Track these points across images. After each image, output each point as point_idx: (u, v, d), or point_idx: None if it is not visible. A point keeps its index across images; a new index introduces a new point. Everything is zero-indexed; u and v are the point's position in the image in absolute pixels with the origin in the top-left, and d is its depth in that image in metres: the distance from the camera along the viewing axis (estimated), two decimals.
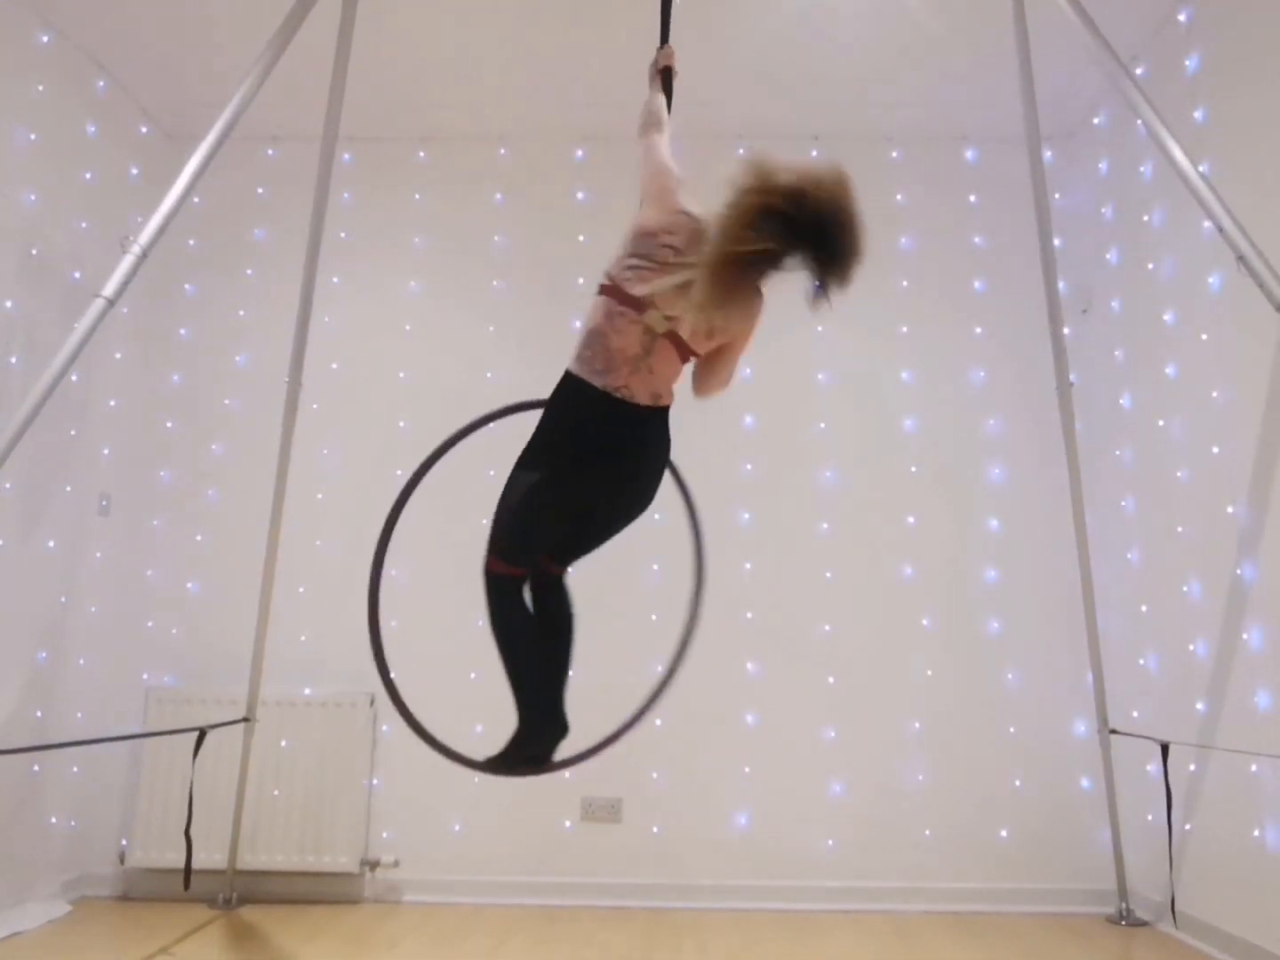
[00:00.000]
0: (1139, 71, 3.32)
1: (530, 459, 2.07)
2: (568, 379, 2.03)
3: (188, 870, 3.04)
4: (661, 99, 2.30)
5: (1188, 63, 3.09)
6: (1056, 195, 3.81)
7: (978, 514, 3.74)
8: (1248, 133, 2.82)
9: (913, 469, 3.77)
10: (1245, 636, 2.80)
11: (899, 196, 3.94)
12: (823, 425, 3.81)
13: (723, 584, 3.71)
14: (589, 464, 2.00)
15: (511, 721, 3.78)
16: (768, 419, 3.81)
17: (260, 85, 2.61)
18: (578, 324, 4.07)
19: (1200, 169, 2.36)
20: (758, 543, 3.70)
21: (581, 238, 3.93)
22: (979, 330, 3.86)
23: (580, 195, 3.98)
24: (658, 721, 3.42)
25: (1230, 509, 2.88)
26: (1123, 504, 3.50)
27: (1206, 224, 2.39)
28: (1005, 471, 3.77)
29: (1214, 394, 2.98)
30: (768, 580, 3.70)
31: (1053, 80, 3.43)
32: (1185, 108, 3.04)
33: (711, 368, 2.13)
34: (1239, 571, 2.82)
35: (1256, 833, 2.71)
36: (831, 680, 3.63)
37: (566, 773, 3.54)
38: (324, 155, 3.18)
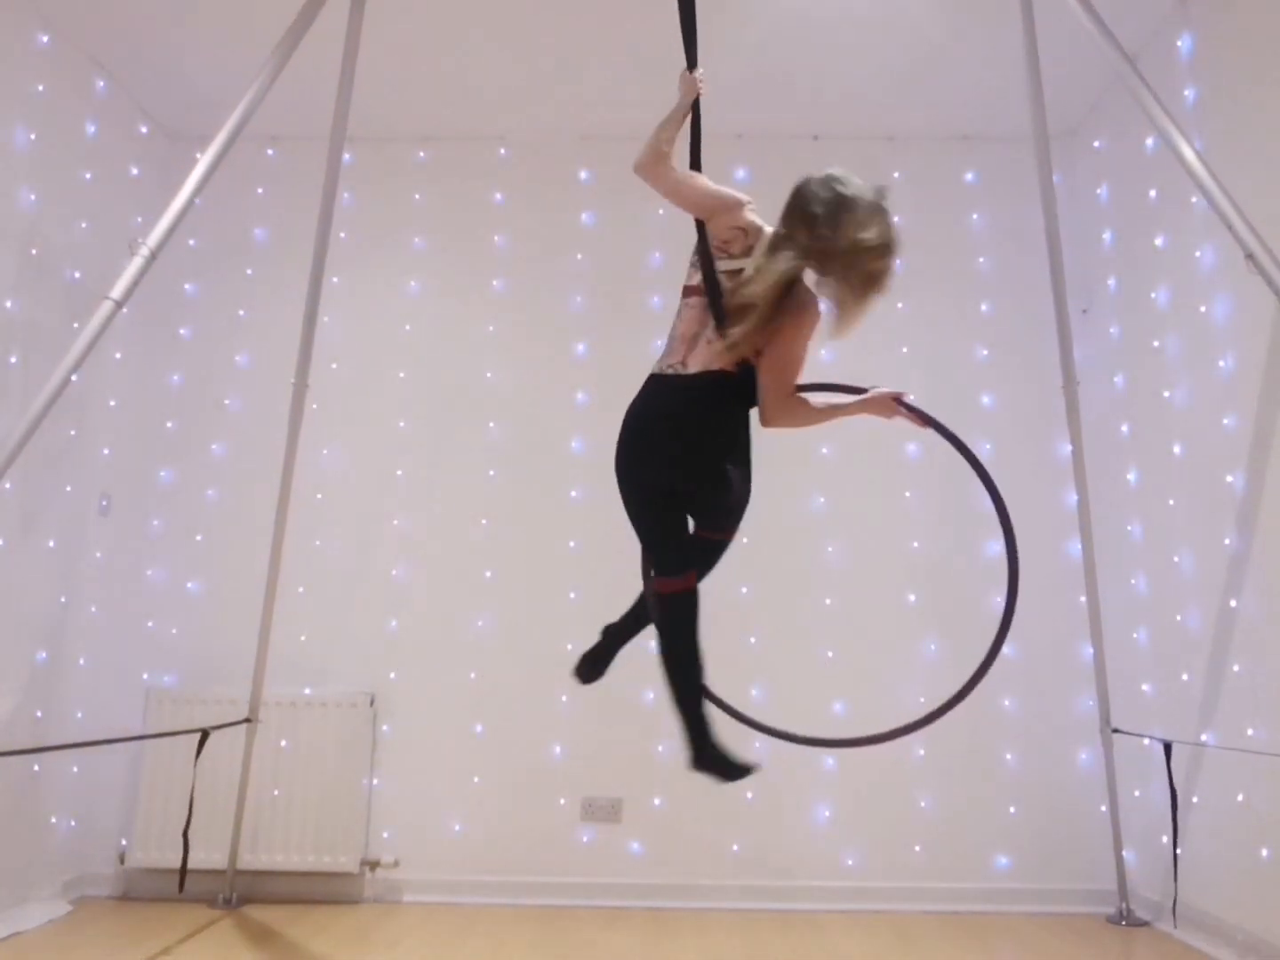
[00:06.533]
0: (1138, 67, 3.32)
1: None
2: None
3: (183, 872, 3.04)
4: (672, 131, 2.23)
5: (1187, 55, 3.09)
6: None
7: (979, 537, 3.71)
8: (1246, 132, 2.82)
9: (907, 494, 3.74)
10: (1245, 639, 2.81)
11: (898, 197, 3.94)
12: (825, 451, 3.78)
13: (723, 609, 3.70)
14: (640, 450, 2.08)
15: (509, 720, 3.81)
16: (767, 444, 3.77)
17: (270, 86, 2.60)
18: (578, 323, 4.11)
19: (1204, 161, 2.36)
20: (758, 568, 3.66)
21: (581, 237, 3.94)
22: (982, 340, 3.85)
23: (580, 195, 3.98)
24: (657, 723, 3.43)
25: (1228, 541, 2.89)
26: (1129, 527, 3.48)
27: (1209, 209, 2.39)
28: (1007, 494, 3.72)
29: (1217, 387, 2.99)
30: (770, 605, 3.68)
31: (1054, 77, 3.43)
32: (1181, 99, 3.05)
33: (760, 380, 2.11)
34: (1241, 591, 2.84)
35: (1256, 834, 2.71)
36: (831, 654, 3.61)
37: (567, 773, 3.58)
38: (332, 154, 3.16)
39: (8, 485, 3.06)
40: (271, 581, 3.33)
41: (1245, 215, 2.22)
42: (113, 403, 3.68)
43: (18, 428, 2.15)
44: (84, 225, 3.46)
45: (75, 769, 3.42)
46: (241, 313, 3.93)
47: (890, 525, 3.71)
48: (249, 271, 3.96)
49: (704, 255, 2.10)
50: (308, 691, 3.58)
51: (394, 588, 3.74)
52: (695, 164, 2.21)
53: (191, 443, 3.84)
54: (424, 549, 3.75)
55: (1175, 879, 2.88)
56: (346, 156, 3.95)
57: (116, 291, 2.30)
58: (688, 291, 2.16)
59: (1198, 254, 3.05)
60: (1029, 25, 2.93)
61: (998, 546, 3.72)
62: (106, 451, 3.63)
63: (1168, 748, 2.86)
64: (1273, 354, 2.71)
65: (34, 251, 3.22)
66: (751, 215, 2.14)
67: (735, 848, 3.51)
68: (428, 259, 3.97)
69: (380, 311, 3.93)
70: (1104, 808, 3.31)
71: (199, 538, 3.77)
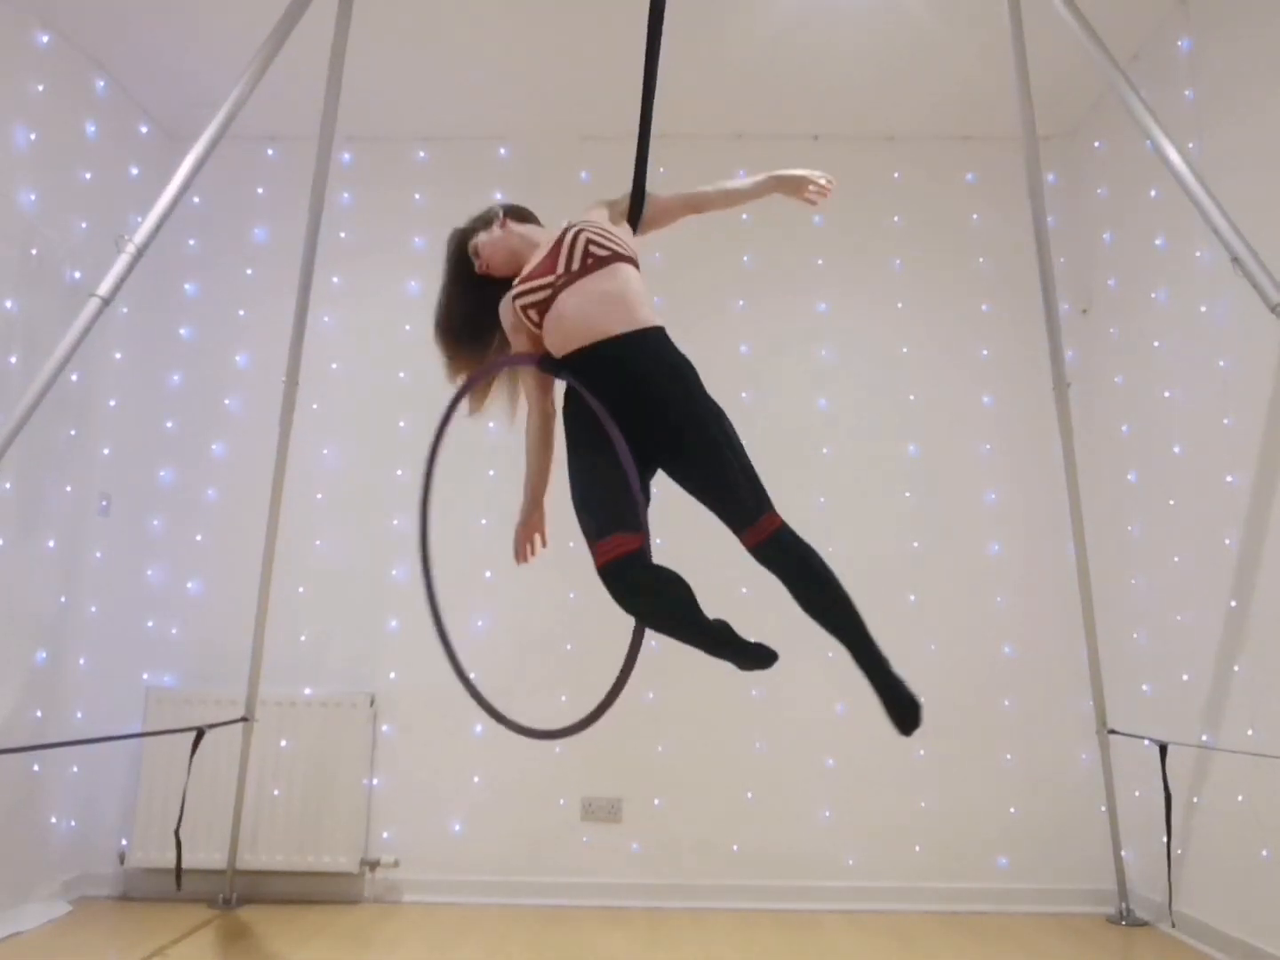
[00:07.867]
0: (1138, 67, 3.32)
1: None
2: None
3: (179, 870, 3.03)
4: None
5: (1187, 55, 3.09)
6: (1055, 202, 3.81)
7: (980, 537, 3.73)
8: (1246, 132, 2.82)
9: (906, 494, 3.75)
10: (1245, 639, 2.81)
11: (898, 197, 3.95)
12: (825, 451, 3.79)
13: (723, 609, 3.69)
14: None
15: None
16: (767, 446, 3.75)
17: (255, 84, 2.60)
18: None
19: (1190, 165, 2.36)
20: (759, 568, 3.66)
21: None
22: (982, 340, 3.85)
23: (580, 195, 3.97)
24: (657, 723, 3.44)
25: (1228, 541, 2.89)
26: (1129, 528, 3.48)
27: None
28: (1008, 494, 3.74)
29: (1217, 387, 2.99)
30: (770, 606, 3.67)
31: (1054, 77, 3.43)
32: (1181, 99, 3.05)
33: None
34: (1241, 591, 2.84)
35: (1256, 834, 2.71)
36: (831, 654, 3.60)
37: (567, 773, 3.58)
38: (320, 155, 3.16)
39: (8, 485, 3.06)
40: (265, 580, 3.33)
41: (1231, 219, 2.21)
42: (113, 403, 3.68)
43: (7, 425, 2.16)
44: (84, 225, 3.45)
45: (75, 769, 3.42)
46: (241, 313, 3.93)
47: (890, 525, 3.71)
48: (249, 271, 3.96)
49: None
50: (308, 691, 3.58)
51: (394, 588, 3.74)
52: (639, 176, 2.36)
53: (191, 443, 3.84)
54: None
55: (1169, 879, 2.89)
56: (346, 156, 3.97)
57: (103, 289, 2.29)
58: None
59: (1198, 254, 3.05)
60: (1017, 28, 2.93)
61: (998, 546, 3.74)
62: (106, 451, 3.63)
63: (1163, 749, 2.86)
64: (1272, 354, 2.71)
65: (34, 251, 3.22)
66: None
67: (735, 848, 3.51)
68: (428, 259, 3.94)
69: (380, 311, 3.93)
70: (1104, 808, 3.31)
71: (199, 538, 3.77)
